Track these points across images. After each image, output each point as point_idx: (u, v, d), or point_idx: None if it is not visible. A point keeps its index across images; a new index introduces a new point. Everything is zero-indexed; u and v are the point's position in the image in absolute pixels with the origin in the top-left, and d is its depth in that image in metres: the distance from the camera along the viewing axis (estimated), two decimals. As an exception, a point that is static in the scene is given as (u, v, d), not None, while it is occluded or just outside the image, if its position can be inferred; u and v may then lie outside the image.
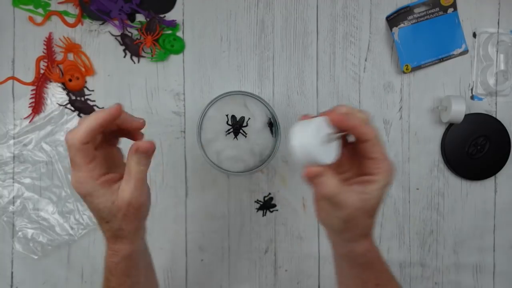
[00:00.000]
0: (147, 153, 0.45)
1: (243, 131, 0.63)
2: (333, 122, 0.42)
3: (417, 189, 0.76)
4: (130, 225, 0.46)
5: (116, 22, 0.71)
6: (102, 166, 0.45)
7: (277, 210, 0.74)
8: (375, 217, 0.44)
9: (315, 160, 0.40)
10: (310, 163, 0.40)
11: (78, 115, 0.72)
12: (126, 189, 0.44)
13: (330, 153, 0.42)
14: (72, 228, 0.72)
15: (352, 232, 0.44)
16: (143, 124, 0.48)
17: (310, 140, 0.39)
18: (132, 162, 0.45)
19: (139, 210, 0.46)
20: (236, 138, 0.64)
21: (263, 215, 0.74)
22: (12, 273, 0.71)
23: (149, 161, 0.46)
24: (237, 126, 0.64)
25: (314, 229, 0.75)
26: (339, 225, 0.43)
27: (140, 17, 0.72)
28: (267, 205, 0.73)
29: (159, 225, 0.73)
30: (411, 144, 0.76)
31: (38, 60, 0.71)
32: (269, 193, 0.74)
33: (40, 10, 0.71)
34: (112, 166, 0.47)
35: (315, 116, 0.43)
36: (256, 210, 0.74)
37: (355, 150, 0.45)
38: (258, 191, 0.74)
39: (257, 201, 0.74)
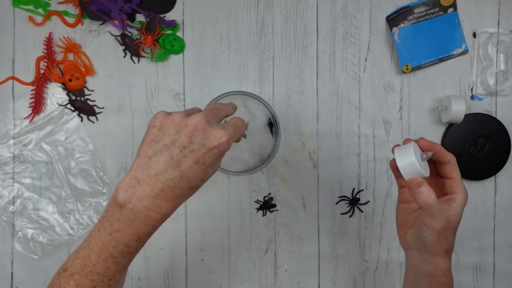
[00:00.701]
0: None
1: (243, 134, 0.62)
2: (424, 146, 0.50)
3: None
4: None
5: (116, 22, 0.71)
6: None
7: (277, 210, 0.74)
8: (455, 235, 0.50)
9: (418, 173, 0.48)
10: (413, 175, 0.48)
11: (78, 115, 0.72)
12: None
13: (426, 168, 0.50)
14: (72, 228, 0.71)
15: (442, 245, 0.49)
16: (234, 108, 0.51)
17: (414, 158, 0.48)
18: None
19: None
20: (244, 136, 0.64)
21: (263, 215, 0.74)
22: (12, 273, 0.71)
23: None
24: None
25: (314, 229, 0.75)
26: (431, 238, 0.49)
27: (140, 17, 0.72)
28: (267, 205, 0.73)
29: None
30: None
31: (38, 60, 0.71)
32: (269, 193, 0.74)
33: (40, 10, 0.71)
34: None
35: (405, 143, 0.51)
36: (256, 210, 0.74)
37: (436, 172, 0.52)
38: (258, 191, 0.73)
39: (257, 201, 0.73)
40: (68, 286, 0.43)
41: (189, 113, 0.44)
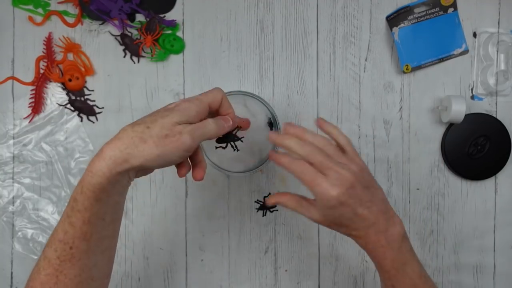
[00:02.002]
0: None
1: (236, 136, 0.59)
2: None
3: (417, 189, 0.76)
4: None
5: (116, 22, 0.72)
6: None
7: (277, 210, 0.74)
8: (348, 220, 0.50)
9: None
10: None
11: (78, 115, 0.72)
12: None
13: None
14: None
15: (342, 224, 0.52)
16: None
17: None
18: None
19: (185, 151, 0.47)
20: (237, 149, 0.62)
21: (263, 215, 0.74)
22: (12, 273, 0.72)
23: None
24: (231, 138, 0.63)
25: (314, 229, 0.75)
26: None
27: (140, 17, 0.72)
28: (267, 205, 0.70)
29: (159, 225, 0.73)
30: (411, 144, 0.76)
31: (38, 60, 0.71)
32: (269, 193, 0.74)
33: (40, 10, 0.72)
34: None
35: None
36: (256, 210, 0.74)
37: None
38: (258, 191, 0.74)
39: (257, 201, 0.73)
40: (39, 262, 0.46)
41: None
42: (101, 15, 0.71)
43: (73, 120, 0.72)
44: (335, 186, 0.47)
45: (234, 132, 0.57)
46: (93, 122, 0.72)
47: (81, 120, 0.72)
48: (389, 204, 0.52)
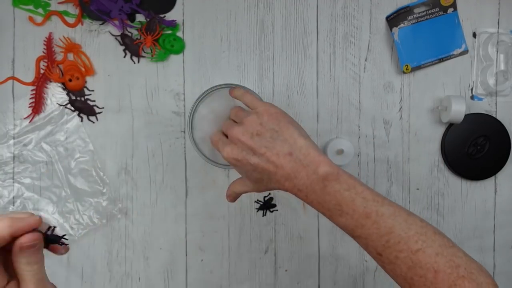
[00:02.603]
0: (35, 246, 0.35)
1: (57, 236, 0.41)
2: None
3: (417, 189, 0.76)
4: None
5: (116, 22, 0.72)
6: (3, 276, 0.36)
7: (277, 210, 0.74)
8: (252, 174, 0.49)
9: None
10: None
11: (78, 115, 0.72)
12: None
13: None
14: (72, 228, 0.71)
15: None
16: (38, 222, 0.37)
17: None
18: (21, 265, 0.35)
19: None
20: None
21: (263, 215, 0.74)
22: None
23: (42, 255, 0.36)
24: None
25: (314, 229, 0.75)
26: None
27: (140, 17, 0.72)
28: (267, 205, 0.74)
29: (159, 225, 0.73)
30: (411, 144, 0.76)
31: (38, 60, 0.71)
32: (269, 193, 0.74)
33: (40, 10, 0.72)
34: (13, 274, 0.37)
35: None
36: (256, 210, 0.74)
37: None
38: None
39: (257, 201, 0.74)
40: None
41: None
42: (101, 15, 0.71)
43: (73, 120, 0.71)
44: (226, 145, 0.49)
45: (50, 231, 0.40)
46: (93, 122, 0.72)
47: (81, 120, 0.72)
48: (309, 144, 0.46)
